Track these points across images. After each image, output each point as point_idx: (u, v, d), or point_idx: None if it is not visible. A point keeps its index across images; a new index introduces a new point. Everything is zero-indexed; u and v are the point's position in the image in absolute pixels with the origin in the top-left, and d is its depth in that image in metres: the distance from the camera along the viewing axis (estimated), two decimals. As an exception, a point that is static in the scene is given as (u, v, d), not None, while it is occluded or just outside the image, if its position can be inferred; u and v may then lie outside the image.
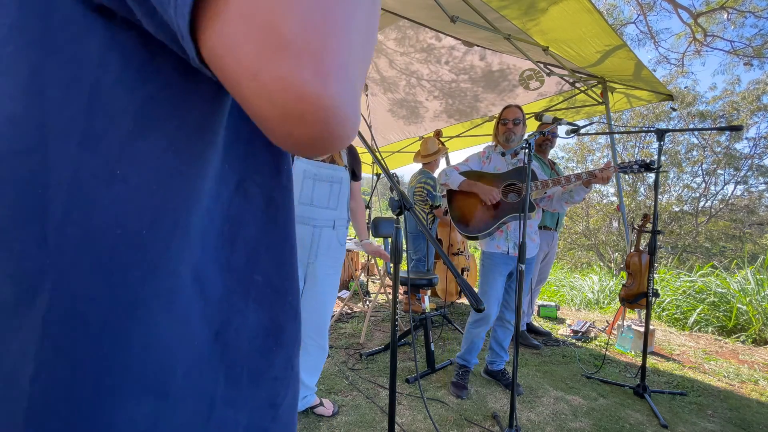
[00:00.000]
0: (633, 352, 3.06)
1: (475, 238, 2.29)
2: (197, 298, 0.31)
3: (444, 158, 4.03)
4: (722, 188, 10.07)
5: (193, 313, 0.30)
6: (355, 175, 1.88)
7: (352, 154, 1.90)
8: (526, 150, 1.77)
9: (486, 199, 2.18)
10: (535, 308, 3.96)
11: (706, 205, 10.23)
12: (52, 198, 0.25)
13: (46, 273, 0.24)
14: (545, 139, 3.10)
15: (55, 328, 0.24)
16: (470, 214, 2.27)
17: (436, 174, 3.90)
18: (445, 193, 2.40)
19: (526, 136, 2.10)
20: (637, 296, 2.73)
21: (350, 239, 4.05)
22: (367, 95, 4.33)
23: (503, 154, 2.18)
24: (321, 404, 1.93)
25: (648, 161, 2.04)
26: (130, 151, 0.26)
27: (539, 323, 3.68)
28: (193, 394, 0.31)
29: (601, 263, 9.61)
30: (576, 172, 2.18)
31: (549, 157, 3.22)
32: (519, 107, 2.29)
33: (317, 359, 1.84)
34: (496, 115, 2.36)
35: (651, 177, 9.83)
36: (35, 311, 0.24)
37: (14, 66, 0.25)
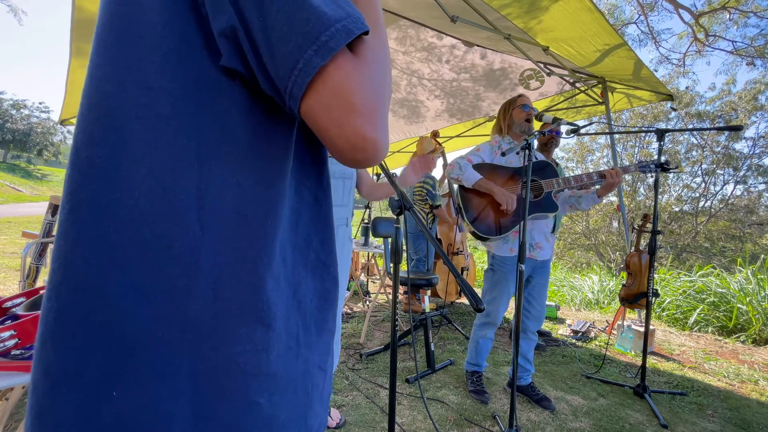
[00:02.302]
0: (633, 352, 3.06)
1: (483, 239, 2.14)
2: (282, 264, 0.45)
3: (441, 158, 4.02)
4: (722, 188, 10.08)
5: (281, 274, 0.45)
6: None
7: None
8: (527, 150, 1.76)
9: (503, 203, 2.01)
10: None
11: (706, 205, 10.23)
12: (204, 195, 0.39)
13: (202, 241, 0.39)
14: (551, 138, 3.05)
15: (208, 270, 0.39)
16: (485, 213, 2.10)
17: (434, 173, 3.90)
18: (453, 188, 2.24)
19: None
20: (637, 296, 2.73)
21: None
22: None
23: (503, 155, 2.15)
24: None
25: (663, 161, 1.98)
26: (242, 165, 0.41)
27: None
28: (287, 333, 0.45)
29: (601, 263, 9.61)
30: (580, 173, 2.11)
31: (552, 156, 3.20)
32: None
33: None
34: (496, 115, 2.29)
35: (651, 177, 9.83)
36: (196, 264, 0.39)
37: (180, 115, 0.39)
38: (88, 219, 0.39)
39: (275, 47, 0.36)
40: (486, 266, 2.24)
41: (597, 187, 2.12)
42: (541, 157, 2.25)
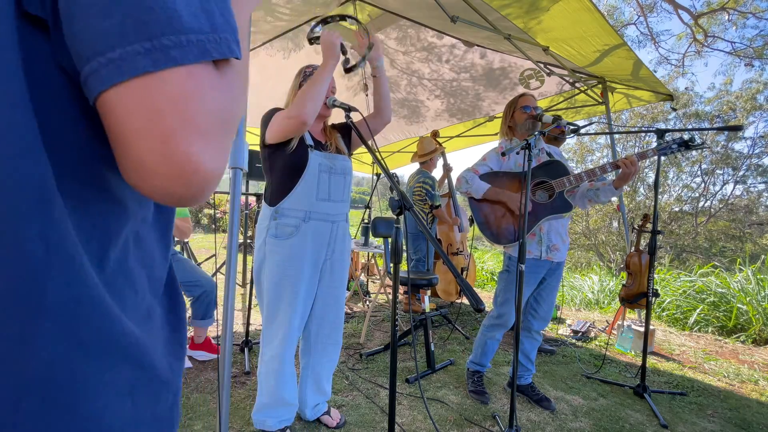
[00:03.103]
0: (633, 352, 3.06)
1: (497, 243, 2.13)
2: (133, 291, 0.38)
3: (441, 157, 4.02)
4: (721, 188, 10.08)
5: (135, 300, 0.38)
6: (352, 135, 1.83)
7: (346, 130, 1.82)
8: (527, 150, 1.75)
9: (516, 209, 2.00)
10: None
11: (706, 205, 10.23)
12: (48, 202, 0.28)
13: (50, 267, 0.29)
14: (561, 131, 3.00)
15: (56, 306, 0.29)
16: (500, 220, 2.09)
17: (434, 173, 3.90)
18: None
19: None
20: (637, 296, 2.73)
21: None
22: (367, 95, 4.33)
23: (503, 155, 2.14)
24: (328, 413, 1.86)
25: (688, 138, 1.89)
26: (83, 167, 0.32)
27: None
28: (159, 366, 0.38)
29: (601, 263, 9.61)
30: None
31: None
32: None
33: (333, 356, 1.80)
34: (498, 115, 2.29)
35: (651, 177, 9.83)
36: (39, 300, 0.29)
37: (17, 106, 0.27)
38: None
39: (80, 6, 0.26)
40: (501, 268, 2.21)
41: (613, 178, 2.10)
42: (556, 151, 2.22)
